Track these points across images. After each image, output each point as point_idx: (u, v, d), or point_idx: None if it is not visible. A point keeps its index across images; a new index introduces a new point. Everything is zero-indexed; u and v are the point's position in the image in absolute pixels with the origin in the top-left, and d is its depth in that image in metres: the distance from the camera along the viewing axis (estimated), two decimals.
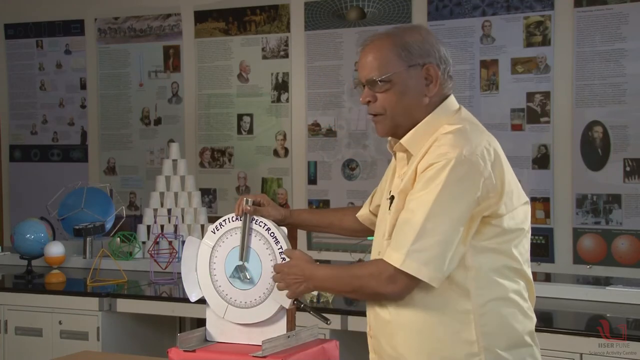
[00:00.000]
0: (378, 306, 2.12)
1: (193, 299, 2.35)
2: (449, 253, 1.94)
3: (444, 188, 1.93)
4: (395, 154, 2.18)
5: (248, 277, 2.26)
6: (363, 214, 2.41)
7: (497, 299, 2.01)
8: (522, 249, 2.06)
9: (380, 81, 2.06)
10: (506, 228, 2.00)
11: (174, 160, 4.78)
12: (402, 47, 2.07)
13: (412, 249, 1.93)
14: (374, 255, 2.17)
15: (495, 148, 2.02)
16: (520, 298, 2.04)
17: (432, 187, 1.94)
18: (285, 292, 2.18)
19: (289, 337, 2.24)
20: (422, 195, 1.95)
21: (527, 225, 2.08)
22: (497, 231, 2.00)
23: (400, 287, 1.97)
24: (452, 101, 2.13)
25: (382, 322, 2.10)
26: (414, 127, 2.08)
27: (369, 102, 2.10)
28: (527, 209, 2.09)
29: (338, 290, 2.16)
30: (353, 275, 2.06)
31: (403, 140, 2.09)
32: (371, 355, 2.19)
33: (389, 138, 2.18)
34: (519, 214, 2.04)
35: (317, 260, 3.39)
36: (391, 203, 2.09)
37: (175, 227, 4.57)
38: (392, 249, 1.97)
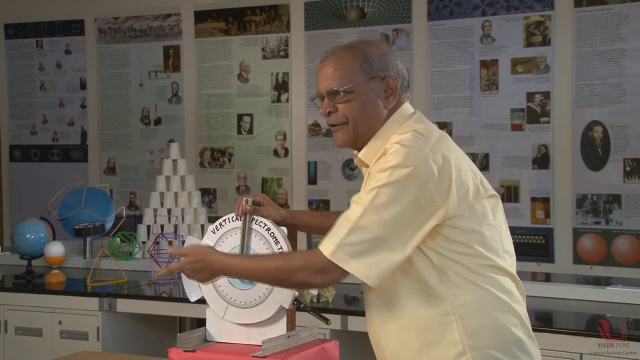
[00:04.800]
0: (368, 319, 2.15)
1: (193, 299, 2.35)
2: (383, 253, 1.96)
3: (382, 190, 1.96)
4: (361, 169, 2.21)
5: None
6: None
7: (478, 297, 2.02)
8: (492, 242, 2.05)
9: (342, 91, 2.09)
10: (463, 229, 2.01)
11: (174, 160, 4.78)
12: (363, 59, 2.10)
13: (343, 242, 1.97)
14: None
15: (444, 152, 2.02)
16: (502, 293, 2.04)
17: (372, 189, 1.98)
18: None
19: (289, 337, 2.25)
20: (362, 195, 2.00)
21: (494, 219, 2.07)
22: (454, 231, 2.00)
23: (330, 278, 2.02)
24: (405, 108, 2.15)
25: (373, 334, 2.15)
26: (372, 137, 2.12)
27: (330, 112, 2.13)
28: (493, 202, 2.09)
29: (258, 280, 2.19)
30: (279, 268, 2.06)
31: (361, 155, 2.14)
32: None
33: (355, 152, 2.20)
34: (479, 210, 2.04)
35: None
36: None
37: (175, 227, 4.57)
38: (327, 239, 2.02)
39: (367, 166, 2.14)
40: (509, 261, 2.10)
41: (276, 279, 2.10)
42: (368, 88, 2.10)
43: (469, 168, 2.07)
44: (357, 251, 1.96)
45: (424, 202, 1.96)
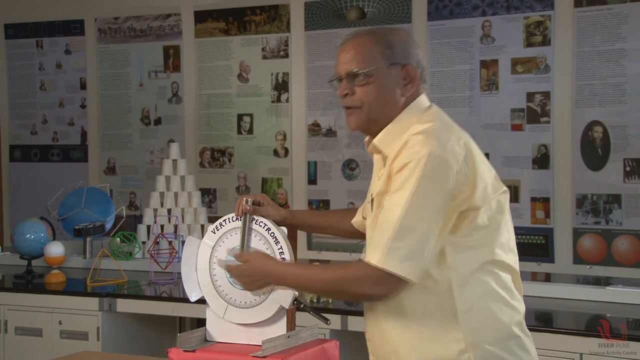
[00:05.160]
0: (371, 309, 2.14)
1: (193, 299, 2.35)
2: (427, 249, 1.95)
3: (418, 185, 1.94)
4: (372, 155, 2.19)
5: None
6: (357, 220, 2.43)
7: (481, 294, 2.02)
8: (503, 239, 2.06)
9: (362, 74, 2.08)
10: (481, 224, 2.01)
11: (174, 160, 4.78)
12: (385, 44, 2.10)
13: (392, 247, 1.94)
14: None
15: (465, 142, 2.04)
16: (504, 290, 2.05)
17: (407, 186, 1.95)
18: (284, 292, 2.19)
19: (289, 337, 2.24)
20: (397, 194, 1.97)
21: (506, 214, 2.09)
22: (474, 226, 2.00)
23: (388, 289, 1.98)
24: (423, 99, 2.15)
25: (375, 324, 2.13)
26: (386, 124, 2.10)
27: (346, 94, 2.12)
28: (505, 197, 2.10)
29: (312, 290, 2.18)
30: (335, 278, 2.04)
31: (376, 141, 2.12)
32: (370, 358, 2.20)
33: (365, 139, 2.20)
34: (494, 205, 2.05)
35: (315, 261, 3.39)
36: (371, 204, 2.13)
37: (175, 227, 4.57)
38: (372, 248, 1.98)
39: (379, 152, 2.12)
40: (513, 259, 2.10)
41: (332, 289, 2.07)
42: (387, 74, 2.09)
43: (486, 163, 2.08)
44: (406, 253, 1.94)
45: (455, 191, 1.97)
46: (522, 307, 2.10)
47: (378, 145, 2.11)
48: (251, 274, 2.16)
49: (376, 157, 2.17)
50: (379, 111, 2.10)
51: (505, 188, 2.11)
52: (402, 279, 1.95)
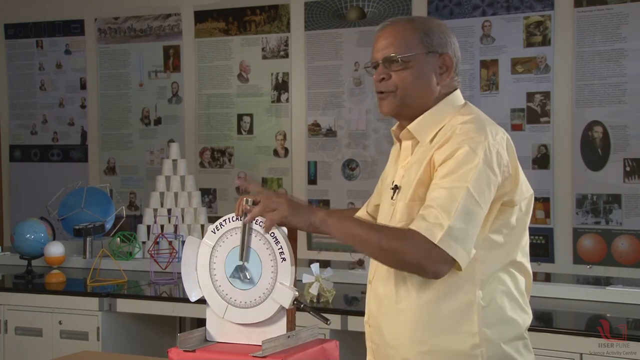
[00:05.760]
0: (383, 294, 2.11)
1: (193, 298, 2.34)
2: (475, 237, 1.95)
3: (479, 171, 1.94)
4: (400, 142, 2.18)
5: (248, 277, 2.26)
6: (361, 215, 2.42)
7: (500, 293, 2.02)
8: (524, 242, 2.09)
9: (400, 59, 2.07)
10: (512, 222, 2.03)
11: (174, 160, 4.78)
12: (424, 32, 2.10)
13: (451, 227, 1.90)
14: None
15: (508, 137, 2.06)
16: (518, 292, 2.06)
17: (466, 170, 1.94)
18: (287, 291, 2.18)
19: (289, 337, 2.24)
20: (457, 178, 1.94)
21: (529, 218, 2.11)
22: (506, 223, 2.02)
23: (440, 268, 1.93)
24: (459, 95, 2.16)
25: (385, 310, 2.10)
26: (418, 111, 2.10)
27: (382, 79, 2.11)
28: (532, 201, 2.11)
29: (360, 240, 2.03)
30: (392, 237, 1.96)
31: (410, 127, 2.10)
32: (368, 344, 2.19)
33: (393, 128, 2.19)
34: (524, 206, 2.07)
35: (316, 261, 3.38)
36: (394, 192, 2.10)
37: (175, 227, 4.57)
38: (432, 225, 1.91)
39: (410, 139, 2.11)
40: (528, 263, 2.12)
41: (383, 248, 1.96)
42: (425, 61, 2.09)
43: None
44: (461, 237, 1.91)
45: (500, 184, 1.98)
46: (530, 312, 2.11)
47: (412, 132, 2.10)
48: (288, 198, 2.10)
49: (404, 145, 2.15)
50: (414, 97, 2.09)
51: (532, 191, 2.12)
52: (451, 263, 1.92)
